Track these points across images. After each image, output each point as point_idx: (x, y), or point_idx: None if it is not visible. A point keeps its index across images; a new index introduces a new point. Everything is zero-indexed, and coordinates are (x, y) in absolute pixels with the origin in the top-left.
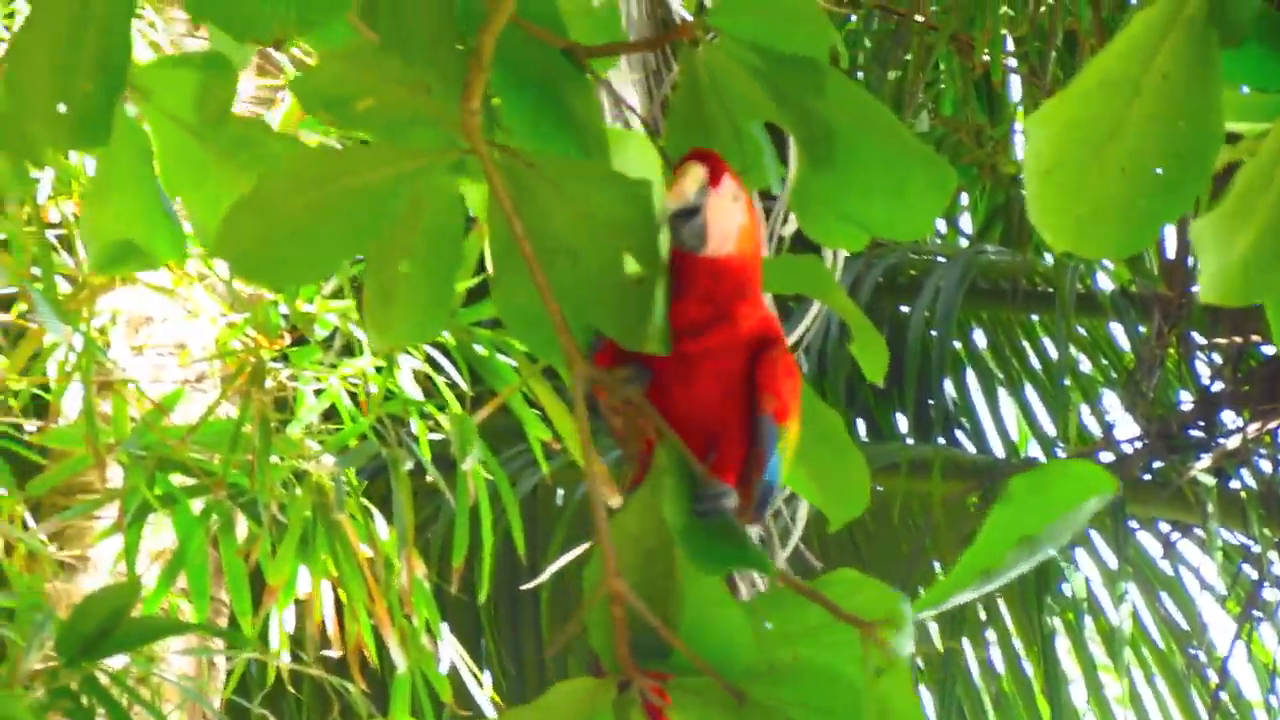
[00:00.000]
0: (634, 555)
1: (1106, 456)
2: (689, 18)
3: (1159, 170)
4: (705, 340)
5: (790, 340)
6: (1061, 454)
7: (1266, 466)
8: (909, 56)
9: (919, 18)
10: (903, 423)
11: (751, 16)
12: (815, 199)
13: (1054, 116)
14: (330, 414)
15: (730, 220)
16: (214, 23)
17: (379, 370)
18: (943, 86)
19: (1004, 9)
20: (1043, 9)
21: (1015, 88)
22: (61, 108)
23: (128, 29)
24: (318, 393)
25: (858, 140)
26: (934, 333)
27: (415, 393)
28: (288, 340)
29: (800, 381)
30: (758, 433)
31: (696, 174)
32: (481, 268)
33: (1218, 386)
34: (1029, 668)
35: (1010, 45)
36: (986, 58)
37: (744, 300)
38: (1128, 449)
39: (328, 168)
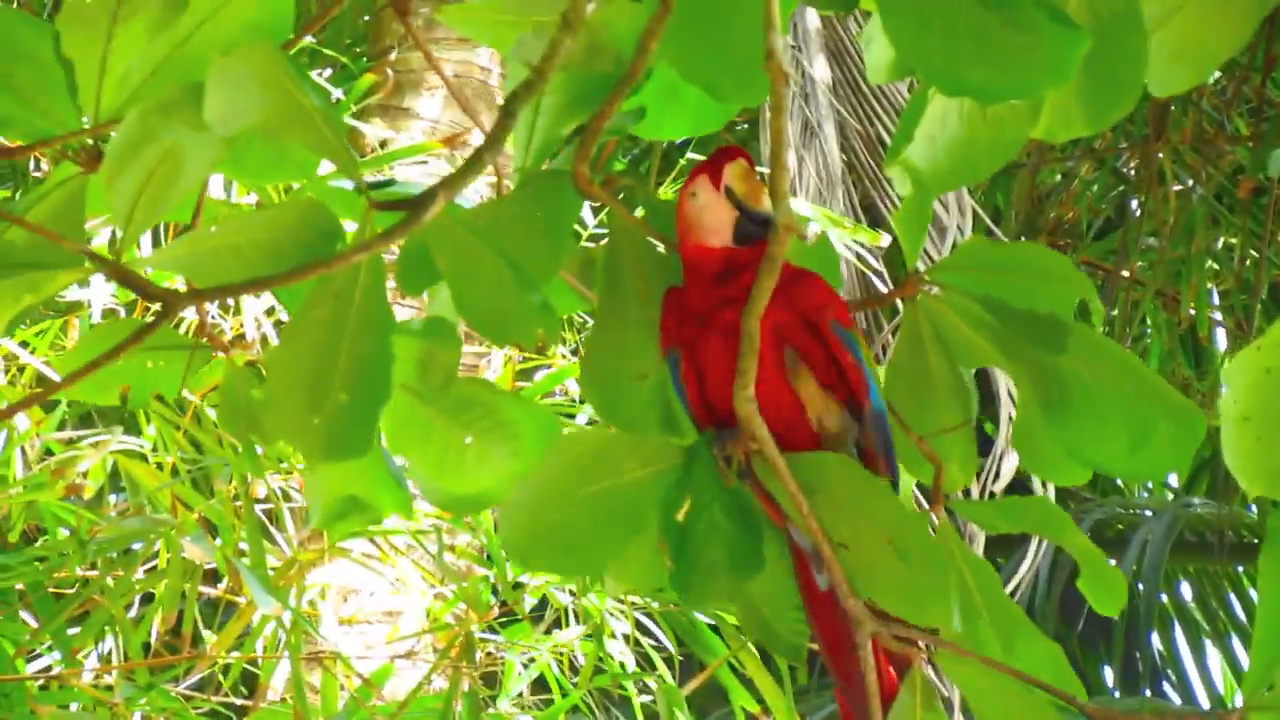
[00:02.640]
0: None
1: None
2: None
3: None
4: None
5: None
6: None
7: None
8: (1115, 312)
9: (1125, 273)
10: (1109, 675)
11: (980, 274)
12: (1044, 437)
13: (1252, 364)
14: (538, 684)
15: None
16: (481, 333)
17: (589, 638)
18: (1149, 341)
19: (1210, 263)
20: (1248, 262)
21: (1221, 340)
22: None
23: (388, 339)
24: (527, 664)
25: (1098, 390)
26: (1141, 586)
27: (626, 658)
28: (496, 612)
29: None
30: (837, 346)
31: (754, 179)
32: None
33: None
34: None
35: (1216, 299)
36: (1193, 311)
37: None
38: None
39: (598, 465)
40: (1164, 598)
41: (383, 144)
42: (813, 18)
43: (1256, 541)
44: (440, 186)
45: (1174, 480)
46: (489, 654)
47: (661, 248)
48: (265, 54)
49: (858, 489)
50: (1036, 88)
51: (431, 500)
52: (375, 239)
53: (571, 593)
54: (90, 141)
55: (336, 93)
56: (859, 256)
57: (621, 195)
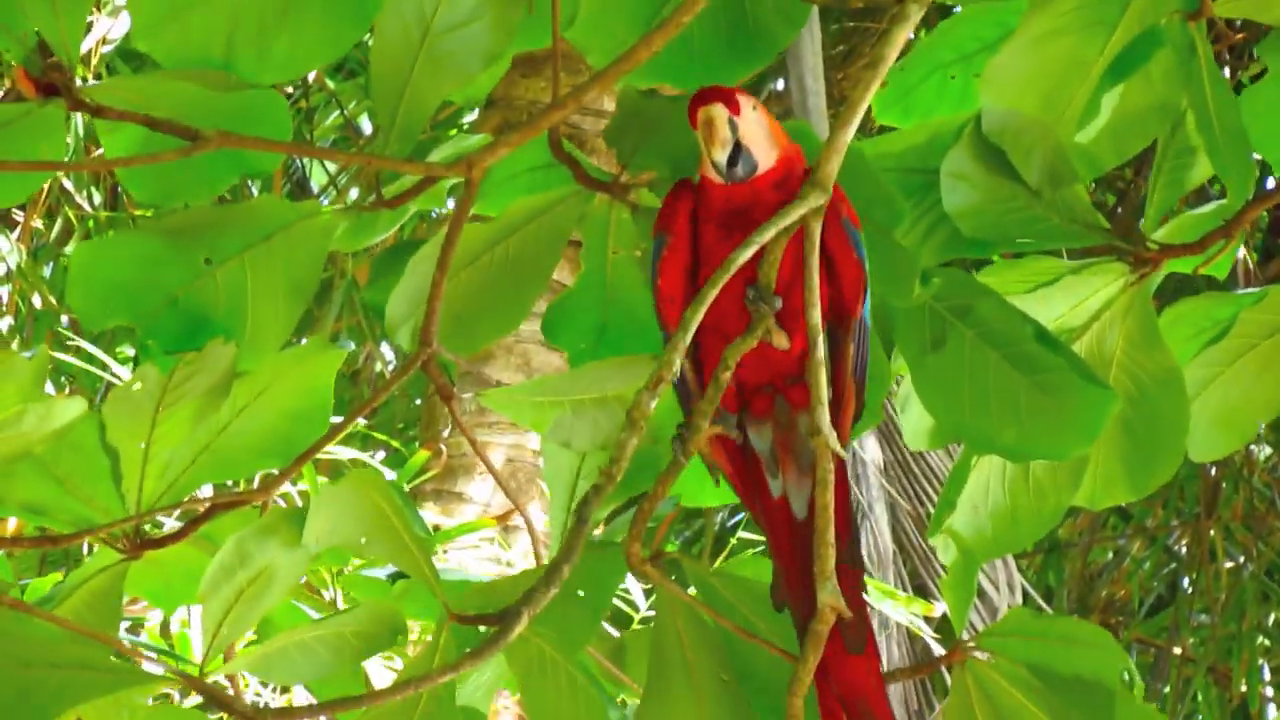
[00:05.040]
0: None
1: None
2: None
3: None
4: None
5: None
6: None
7: None
8: (1167, 689)
9: (1177, 650)
10: None
11: (1026, 641)
12: None
13: None
14: None
15: (761, 131)
16: None
17: None
18: (1200, 718)
19: (1261, 639)
20: None
21: (1273, 716)
22: None
23: None
24: None
25: None
26: None
27: None
28: None
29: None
30: (846, 243)
31: (720, 114)
32: None
33: None
34: None
35: (1267, 674)
36: (1244, 688)
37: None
38: None
39: None
40: None
41: (435, 528)
42: None
43: None
44: (523, 604)
45: None
46: None
47: (711, 624)
48: (371, 484)
49: None
50: (1066, 447)
51: None
52: (465, 659)
53: None
54: (132, 528)
55: (389, 474)
56: (915, 628)
57: (674, 576)
